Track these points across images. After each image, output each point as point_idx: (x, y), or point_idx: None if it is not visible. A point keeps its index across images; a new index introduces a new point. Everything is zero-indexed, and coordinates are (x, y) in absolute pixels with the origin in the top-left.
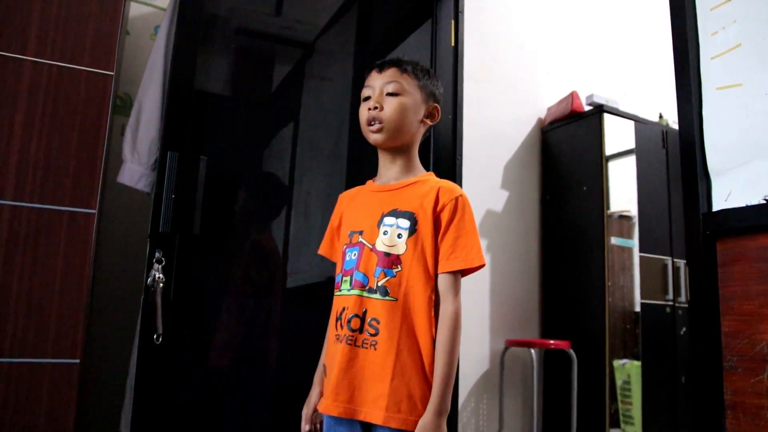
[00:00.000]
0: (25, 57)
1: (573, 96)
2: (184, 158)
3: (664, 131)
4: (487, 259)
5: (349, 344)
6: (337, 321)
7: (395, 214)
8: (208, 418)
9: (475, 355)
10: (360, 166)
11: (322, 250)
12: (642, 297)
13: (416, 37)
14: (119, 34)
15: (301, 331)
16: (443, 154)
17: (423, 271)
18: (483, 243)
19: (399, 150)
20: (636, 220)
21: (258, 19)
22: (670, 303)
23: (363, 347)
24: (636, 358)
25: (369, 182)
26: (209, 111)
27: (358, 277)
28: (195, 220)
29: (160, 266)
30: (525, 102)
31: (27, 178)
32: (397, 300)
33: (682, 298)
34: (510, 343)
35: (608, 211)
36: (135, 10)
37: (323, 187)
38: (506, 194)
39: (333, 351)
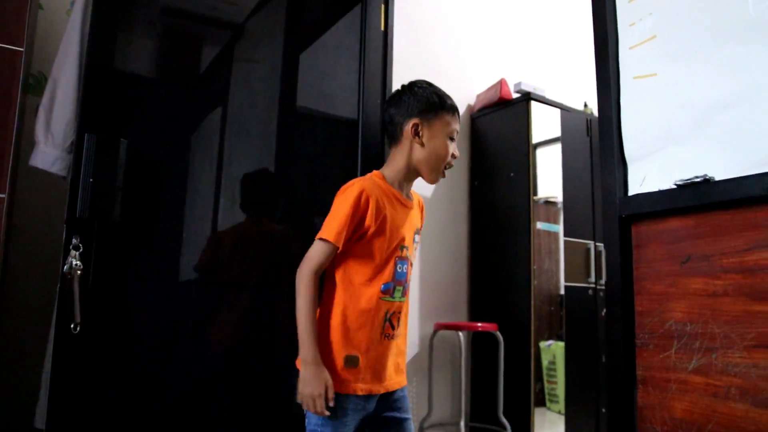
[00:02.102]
0: None
1: (501, 83)
2: (102, 141)
3: (589, 119)
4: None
5: (391, 339)
6: (386, 322)
7: (417, 232)
8: (130, 413)
9: None
10: (288, 150)
11: (338, 242)
12: (566, 280)
13: (346, 21)
14: (29, 8)
15: (228, 318)
16: (372, 140)
17: None
18: None
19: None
20: (561, 206)
21: None
22: (592, 285)
23: (395, 339)
24: (561, 339)
25: (385, 183)
26: (131, 93)
27: (406, 287)
28: (115, 205)
29: (77, 253)
30: (454, 88)
31: None
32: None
33: (604, 281)
34: (439, 327)
35: (535, 197)
36: None
37: (252, 171)
38: None
39: (379, 345)
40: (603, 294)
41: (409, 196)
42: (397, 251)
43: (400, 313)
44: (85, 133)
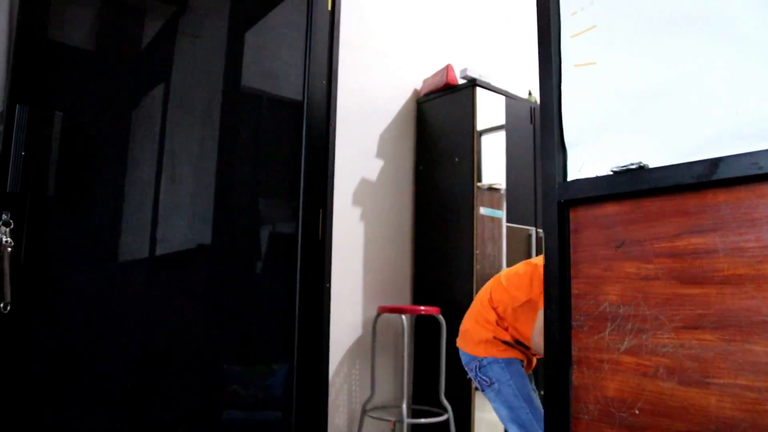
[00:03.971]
0: None
1: (448, 68)
2: (35, 113)
3: (532, 107)
4: (360, 227)
5: None
6: None
7: None
8: (63, 394)
9: (348, 321)
10: (233, 129)
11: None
12: (507, 264)
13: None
14: None
15: (168, 299)
16: (316, 123)
17: None
18: (356, 211)
19: None
20: (504, 192)
21: None
22: None
23: None
24: None
25: None
26: (67, 64)
27: None
28: (49, 179)
29: (8, 229)
30: (401, 72)
31: None
32: None
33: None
34: (382, 310)
35: (479, 183)
36: None
37: (194, 150)
38: (381, 163)
39: None
40: None
41: None
42: None
43: None
44: (17, 104)
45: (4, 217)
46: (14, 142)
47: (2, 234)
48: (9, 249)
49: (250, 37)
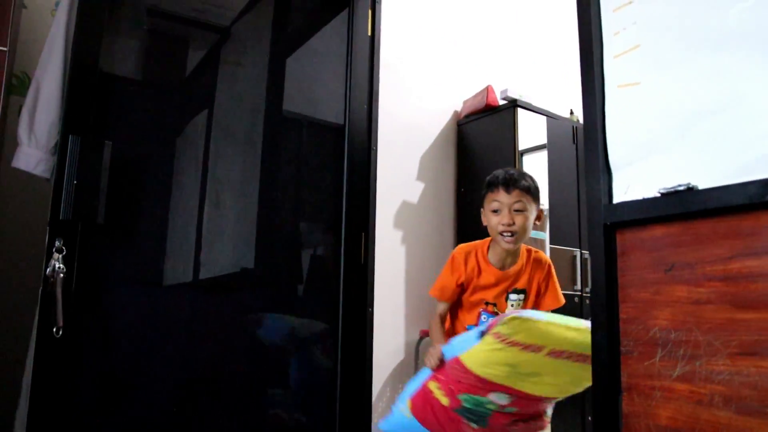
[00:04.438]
0: None
1: (488, 90)
2: (87, 143)
3: (575, 127)
4: (402, 250)
5: None
6: None
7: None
8: (112, 417)
9: (390, 345)
10: (275, 154)
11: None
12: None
13: (333, 26)
14: (13, 7)
15: (212, 323)
16: (358, 147)
17: None
18: (398, 234)
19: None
20: (547, 213)
21: (172, 0)
22: (578, 293)
23: None
24: None
25: (486, 261)
26: (116, 94)
27: None
28: (99, 207)
29: (60, 256)
30: (441, 94)
31: None
32: None
33: (589, 289)
34: (425, 333)
35: None
36: None
37: (237, 175)
38: (422, 186)
39: None
40: (589, 302)
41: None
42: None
43: None
44: (70, 135)
45: (57, 244)
46: (67, 171)
47: (55, 261)
48: (61, 275)
49: (292, 64)
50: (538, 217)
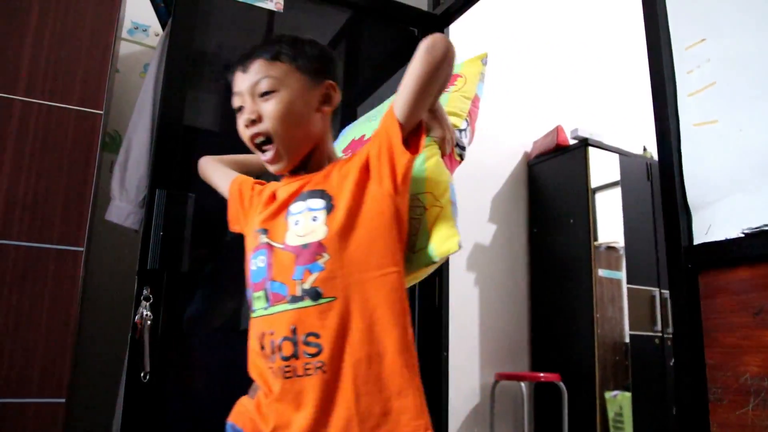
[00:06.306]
0: (14, 96)
1: (558, 130)
2: (172, 196)
3: (648, 164)
4: (475, 292)
5: (288, 377)
6: (262, 350)
7: (302, 197)
8: None
9: (465, 388)
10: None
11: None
12: (631, 328)
13: (403, 72)
14: (109, 73)
15: None
16: None
17: (367, 246)
18: (471, 276)
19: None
20: (623, 252)
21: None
22: (659, 334)
23: (307, 375)
24: (627, 389)
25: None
26: (197, 147)
27: (274, 288)
28: (183, 257)
29: (147, 303)
30: (511, 136)
31: (15, 217)
32: (336, 299)
33: (671, 329)
34: (500, 377)
35: (595, 243)
36: (125, 48)
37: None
38: (494, 228)
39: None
40: (671, 343)
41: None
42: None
43: (293, 330)
44: (156, 189)
45: (144, 292)
46: (154, 223)
47: (143, 308)
48: (148, 322)
49: (363, 111)
50: (327, 98)
